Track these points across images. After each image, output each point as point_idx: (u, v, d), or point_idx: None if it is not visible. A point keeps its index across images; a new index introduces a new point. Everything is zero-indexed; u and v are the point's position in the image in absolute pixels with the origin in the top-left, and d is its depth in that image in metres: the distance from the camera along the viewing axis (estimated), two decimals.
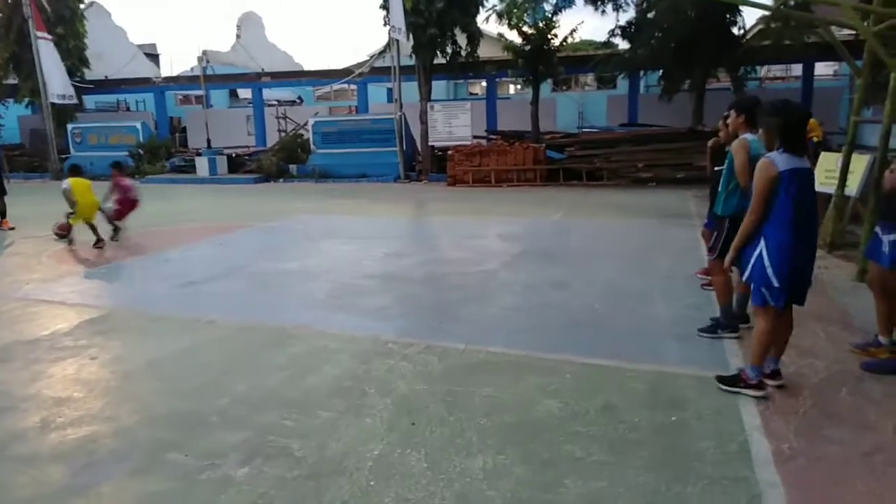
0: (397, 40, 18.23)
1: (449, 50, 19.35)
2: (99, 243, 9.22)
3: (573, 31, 18.48)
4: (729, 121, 4.82)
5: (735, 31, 16.16)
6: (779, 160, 3.63)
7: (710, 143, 6.22)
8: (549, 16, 17.95)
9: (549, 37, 17.74)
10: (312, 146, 21.11)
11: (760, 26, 16.43)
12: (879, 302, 4.22)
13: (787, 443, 3.31)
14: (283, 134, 25.19)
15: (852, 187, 7.27)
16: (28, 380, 4.44)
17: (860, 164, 7.21)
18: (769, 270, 3.66)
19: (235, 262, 8.13)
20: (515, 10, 17.86)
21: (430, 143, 19.73)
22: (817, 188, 8.10)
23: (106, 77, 27.65)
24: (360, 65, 25.85)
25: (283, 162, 21.18)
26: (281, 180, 20.44)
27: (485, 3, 19.32)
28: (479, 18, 19.50)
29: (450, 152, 17.84)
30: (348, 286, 6.75)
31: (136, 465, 3.29)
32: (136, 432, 3.64)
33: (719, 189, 4.90)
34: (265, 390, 4.16)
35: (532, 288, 6.51)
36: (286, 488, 3.05)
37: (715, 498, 2.88)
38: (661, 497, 2.90)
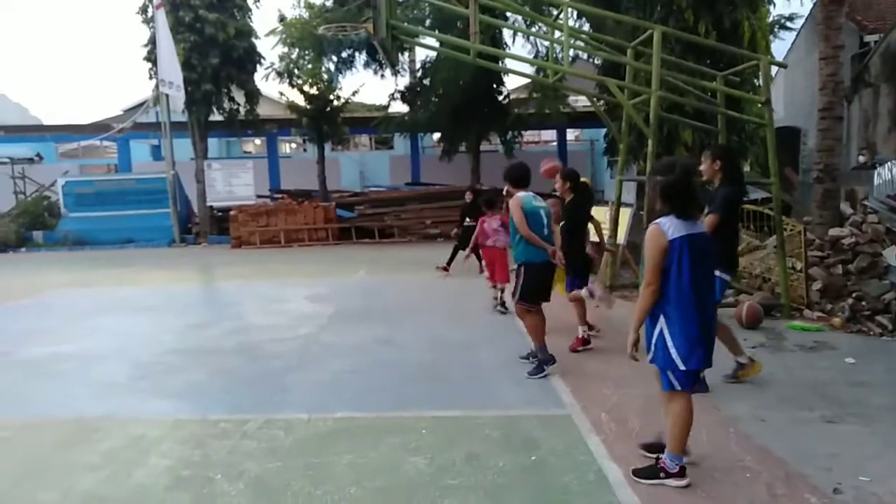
0: (167, 95, 17.15)
1: (226, 107, 18.77)
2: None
3: (355, 92, 19.14)
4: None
5: (500, 99, 18.13)
6: (667, 226, 3.25)
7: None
8: (334, 77, 18.43)
9: (332, 97, 18.13)
10: (63, 209, 18.90)
11: (522, 95, 18.65)
12: None
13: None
14: (21, 196, 22.12)
15: (621, 236, 8.50)
16: None
17: (625, 216, 8.49)
18: (673, 353, 3.28)
19: None
20: (298, 72, 18.01)
21: (208, 204, 18.68)
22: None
23: None
24: (115, 119, 23.72)
25: (25, 228, 18.69)
26: (23, 249, 17.78)
27: (262, 61, 19.20)
28: (258, 76, 19.29)
29: (233, 212, 17.02)
30: (151, 365, 5.99)
31: None
32: None
33: (511, 241, 5.57)
34: (82, 495, 3.48)
35: (359, 348, 6.41)
36: None
37: None
38: None
